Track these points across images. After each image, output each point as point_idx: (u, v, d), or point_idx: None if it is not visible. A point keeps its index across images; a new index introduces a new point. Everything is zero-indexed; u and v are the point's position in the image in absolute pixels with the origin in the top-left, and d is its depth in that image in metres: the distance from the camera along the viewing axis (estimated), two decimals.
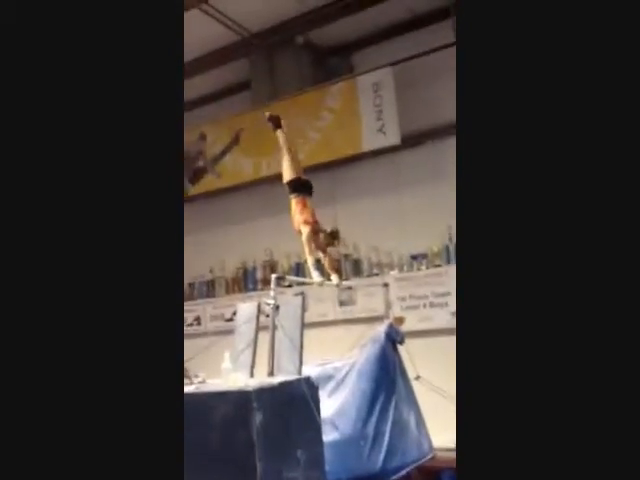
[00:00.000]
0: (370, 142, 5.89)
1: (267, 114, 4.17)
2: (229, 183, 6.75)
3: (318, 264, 3.85)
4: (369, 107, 5.86)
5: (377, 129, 5.84)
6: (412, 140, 5.91)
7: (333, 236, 3.94)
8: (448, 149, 5.89)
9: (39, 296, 1.59)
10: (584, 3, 1.52)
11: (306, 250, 3.80)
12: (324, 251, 3.89)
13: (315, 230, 3.83)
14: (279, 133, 4.10)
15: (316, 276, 3.78)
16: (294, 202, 3.93)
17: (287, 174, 3.99)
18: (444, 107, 5.85)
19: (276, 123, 4.11)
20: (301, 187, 3.94)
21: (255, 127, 6.49)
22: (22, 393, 1.55)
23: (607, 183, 1.46)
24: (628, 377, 1.39)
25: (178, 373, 1.74)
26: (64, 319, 1.59)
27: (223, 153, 6.76)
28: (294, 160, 4.04)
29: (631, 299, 1.40)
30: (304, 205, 3.88)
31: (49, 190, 1.64)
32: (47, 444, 1.53)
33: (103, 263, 1.64)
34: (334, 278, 3.90)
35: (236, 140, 6.68)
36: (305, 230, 3.79)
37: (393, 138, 5.78)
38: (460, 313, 1.64)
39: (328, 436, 3.46)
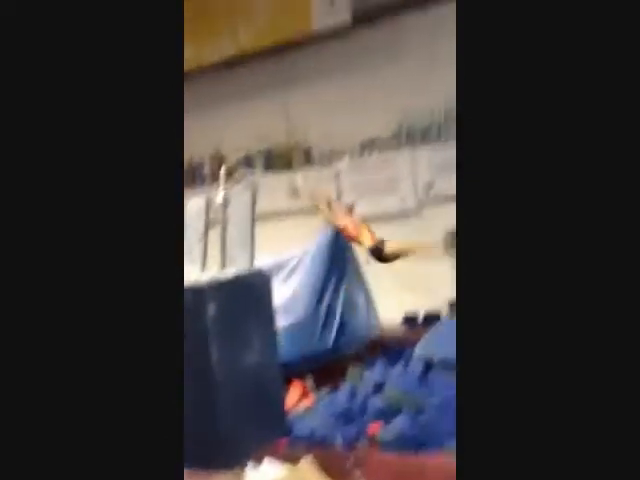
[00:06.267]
0: (320, 19, 5.62)
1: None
2: None
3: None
4: None
5: (327, 3, 5.55)
6: (365, 17, 5.63)
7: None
8: (402, 29, 5.70)
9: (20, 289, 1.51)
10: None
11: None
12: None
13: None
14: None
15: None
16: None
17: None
18: None
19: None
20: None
21: (202, 7, 6.04)
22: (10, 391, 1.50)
23: (607, 188, 1.40)
24: (628, 389, 1.38)
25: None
26: (58, 320, 1.52)
27: None
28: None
29: (631, 311, 1.37)
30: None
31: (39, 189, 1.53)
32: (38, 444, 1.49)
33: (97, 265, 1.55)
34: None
35: None
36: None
37: (343, 13, 5.51)
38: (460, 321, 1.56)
39: (282, 321, 3.64)
